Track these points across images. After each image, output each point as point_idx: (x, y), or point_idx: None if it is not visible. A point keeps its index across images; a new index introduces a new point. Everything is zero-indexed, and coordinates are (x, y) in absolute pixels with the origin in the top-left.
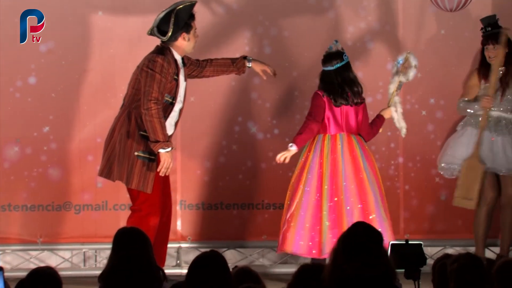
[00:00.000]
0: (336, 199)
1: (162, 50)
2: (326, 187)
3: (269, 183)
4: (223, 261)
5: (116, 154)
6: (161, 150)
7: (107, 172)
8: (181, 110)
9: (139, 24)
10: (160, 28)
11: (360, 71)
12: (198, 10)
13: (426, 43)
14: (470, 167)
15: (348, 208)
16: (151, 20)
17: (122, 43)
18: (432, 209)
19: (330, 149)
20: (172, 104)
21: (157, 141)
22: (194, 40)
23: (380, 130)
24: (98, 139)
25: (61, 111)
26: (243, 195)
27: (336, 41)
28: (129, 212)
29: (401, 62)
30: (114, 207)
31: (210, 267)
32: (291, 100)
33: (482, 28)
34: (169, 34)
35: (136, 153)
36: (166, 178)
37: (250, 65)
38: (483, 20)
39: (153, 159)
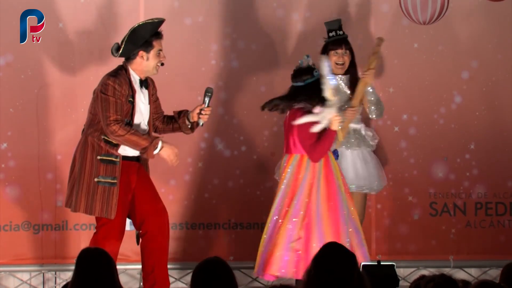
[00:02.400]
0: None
1: (116, 71)
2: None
3: (237, 202)
4: (227, 267)
5: (75, 182)
6: (155, 152)
7: (66, 200)
8: (149, 134)
9: (100, 37)
10: (119, 45)
11: None
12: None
13: (399, 57)
14: None
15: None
16: (111, 33)
17: (83, 56)
18: (405, 229)
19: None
20: None
21: (145, 149)
22: (156, 60)
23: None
24: (58, 156)
25: (20, 127)
26: (209, 215)
27: (308, 56)
28: (90, 232)
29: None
30: (74, 227)
31: (215, 272)
32: (259, 116)
33: (330, 31)
34: (120, 51)
35: (96, 179)
36: (154, 196)
37: (189, 117)
38: (329, 24)
39: (115, 183)
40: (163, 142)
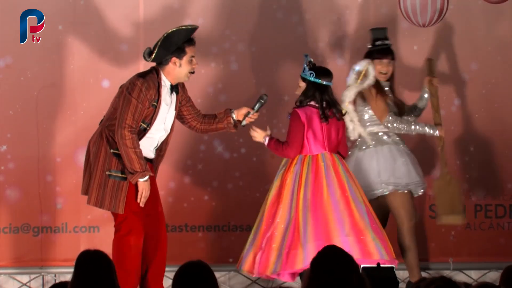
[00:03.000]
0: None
1: (146, 73)
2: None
3: (236, 204)
4: (209, 270)
5: (86, 172)
6: (139, 180)
7: (82, 187)
8: (167, 139)
9: (100, 38)
10: (151, 50)
11: None
12: (161, 25)
13: (398, 60)
14: (445, 183)
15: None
16: (112, 35)
17: (82, 58)
18: None
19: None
20: (145, 130)
21: (134, 172)
22: (188, 67)
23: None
24: (57, 158)
25: (19, 129)
26: (209, 217)
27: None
28: (89, 234)
29: (357, 69)
30: (74, 229)
31: (196, 275)
32: (259, 118)
33: (376, 40)
34: (153, 56)
35: (107, 172)
36: (155, 199)
37: (234, 116)
38: (376, 32)
39: (125, 177)
40: (149, 176)
